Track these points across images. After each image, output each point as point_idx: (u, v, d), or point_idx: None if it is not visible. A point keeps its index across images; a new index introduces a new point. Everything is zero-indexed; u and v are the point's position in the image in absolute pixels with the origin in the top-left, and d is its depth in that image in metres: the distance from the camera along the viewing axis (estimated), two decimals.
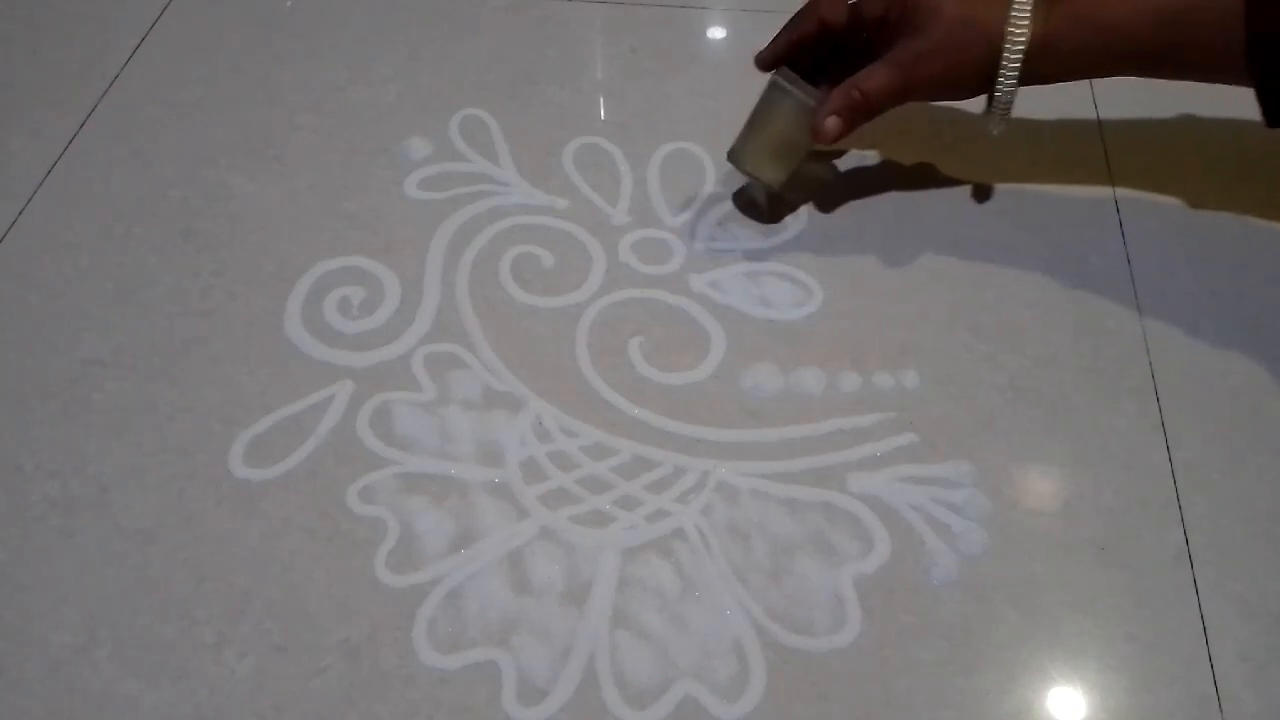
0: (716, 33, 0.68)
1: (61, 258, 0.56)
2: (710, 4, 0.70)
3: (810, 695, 0.41)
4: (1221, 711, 0.40)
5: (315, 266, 0.55)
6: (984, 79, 0.51)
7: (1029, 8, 0.49)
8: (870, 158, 0.60)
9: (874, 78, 0.52)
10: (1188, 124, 0.60)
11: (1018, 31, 0.49)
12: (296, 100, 0.64)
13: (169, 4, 0.70)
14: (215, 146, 0.61)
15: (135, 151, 0.61)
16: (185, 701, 0.41)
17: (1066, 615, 0.43)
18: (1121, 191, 0.57)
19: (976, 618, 0.43)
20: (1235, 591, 0.43)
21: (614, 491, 0.47)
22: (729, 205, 0.58)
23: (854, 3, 0.52)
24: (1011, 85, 0.51)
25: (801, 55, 0.53)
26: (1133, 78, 0.51)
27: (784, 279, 0.54)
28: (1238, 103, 0.49)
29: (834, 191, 0.58)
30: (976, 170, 0.59)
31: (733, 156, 0.55)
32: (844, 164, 0.59)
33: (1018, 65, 0.50)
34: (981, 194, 0.58)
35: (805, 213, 0.57)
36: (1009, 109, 0.52)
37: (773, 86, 0.54)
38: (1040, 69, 0.51)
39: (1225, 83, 0.50)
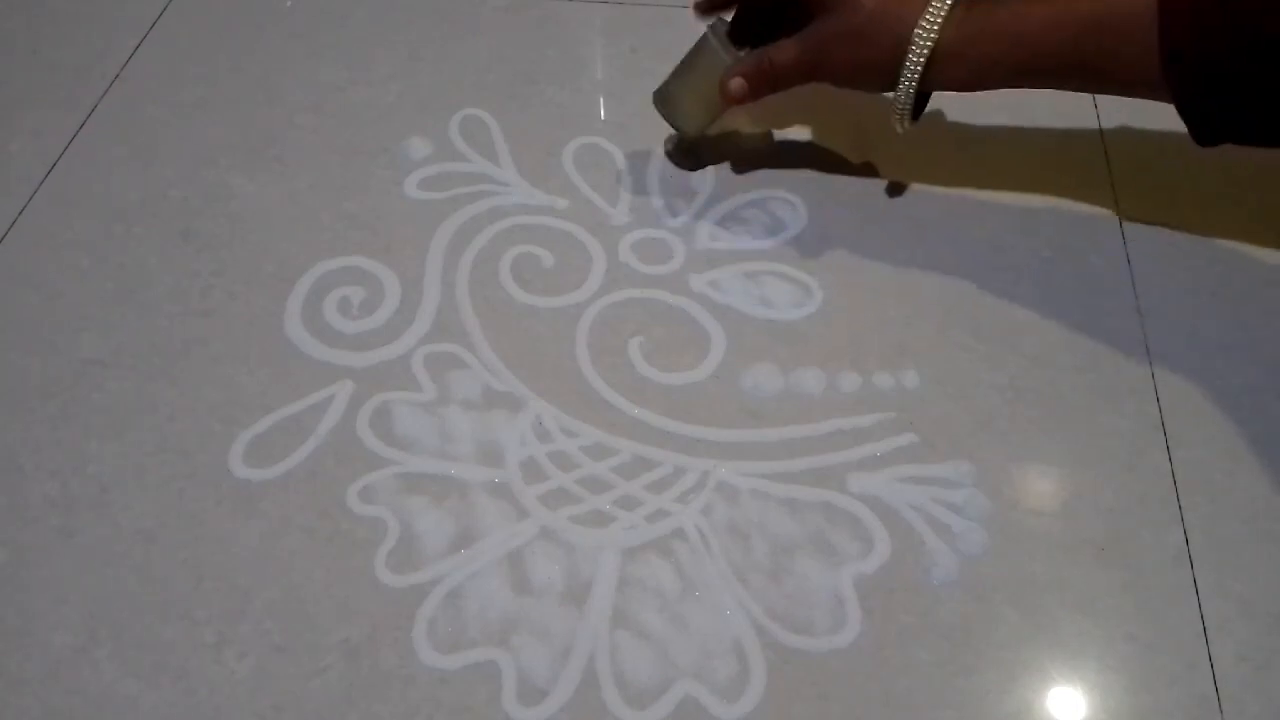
0: None
1: (61, 258, 0.56)
2: None
3: (810, 695, 0.41)
4: (1221, 711, 0.40)
5: (315, 266, 0.55)
6: (888, 76, 0.51)
7: (943, 13, 0.48)
8: (870, 158, 0.60)
9: (785, 51, 0.52)
10: None
11: (924, 35, 0.49)
12: (296, 100, 0.64)
13: (169, 4, 0.70)
14: (215, 146, 0.61)
15: (135, 151, 0.61)
16: (185, 701, 0.41)
17: (1066, 615, 0.43)
18: (1122, 192, 0.57)
19: (976, 618, 0.43)
20: (1235, 591, 0.43)
21: (614, 491, 0.47)
22: (730, 205, 0.58)
23: None
24: (910, 87, 0.50)
25: (750, 16, 0.54)
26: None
27: (784, 279, 0.54)
28: None
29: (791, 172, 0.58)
30: (977, 171, 0.59)
31: (655, 97, 0.57)
32: (842, 164, 0.59)
33: (919, 68, 0.49)
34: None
35: (805, 213, 0.57)
36: (907, 111, 0.51)
37: (702, 38, 0.55)
38: (949, 75, 0.50)
39: (1146, 98, 0.49)
